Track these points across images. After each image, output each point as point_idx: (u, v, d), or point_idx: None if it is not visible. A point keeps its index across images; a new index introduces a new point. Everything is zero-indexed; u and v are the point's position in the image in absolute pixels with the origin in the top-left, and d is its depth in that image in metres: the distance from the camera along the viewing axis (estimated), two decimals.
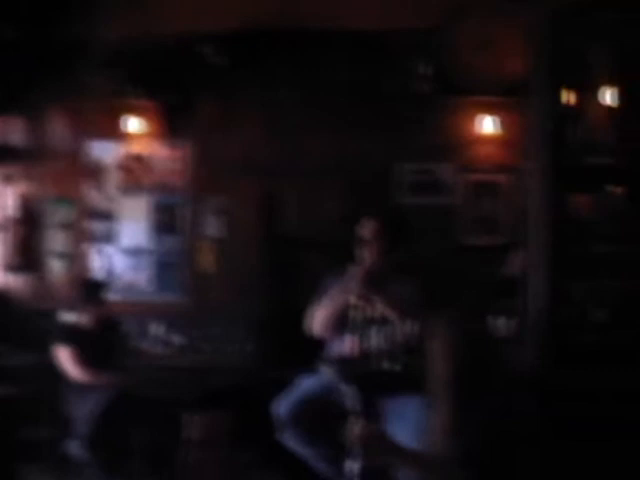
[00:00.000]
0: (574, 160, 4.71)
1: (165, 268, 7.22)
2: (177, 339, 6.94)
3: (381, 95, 7.06)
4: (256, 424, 3.60)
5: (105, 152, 7.35)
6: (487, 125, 7.00)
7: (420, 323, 4.48)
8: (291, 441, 5.02)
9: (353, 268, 4.96)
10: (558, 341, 4.37)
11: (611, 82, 5.09)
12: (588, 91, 5.27)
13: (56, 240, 7.44)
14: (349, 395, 4.54)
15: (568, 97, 4.83)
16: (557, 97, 4.56)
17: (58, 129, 7.39)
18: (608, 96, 5.10)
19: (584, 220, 5.67)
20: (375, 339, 4.50)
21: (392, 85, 7.06)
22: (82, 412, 5.89)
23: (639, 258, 4.69)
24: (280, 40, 6.98)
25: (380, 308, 4.75)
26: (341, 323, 4.84)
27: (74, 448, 5.88)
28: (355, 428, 3.72)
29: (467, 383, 3.65)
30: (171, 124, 7.27)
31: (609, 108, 5.06)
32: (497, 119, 6.97)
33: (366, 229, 5.19)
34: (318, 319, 5.10)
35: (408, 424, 4.59)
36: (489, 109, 7.00)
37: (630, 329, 4.50)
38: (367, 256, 5.13)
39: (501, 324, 4.79)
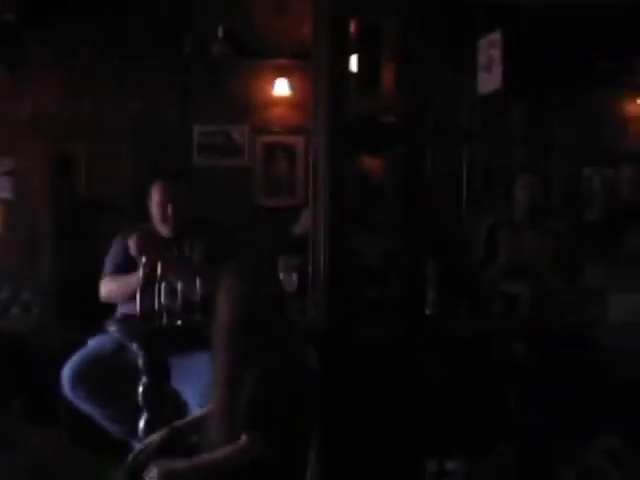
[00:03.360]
0: (359, 122, 4.82)
1: None
2: None
3: (176, 56, 7.02)
4: (37, 384, 3.57)
5: None
6: (281, 87, 7.08)
7: (208, 280, 4.52)
8: (79, 401, 4.99)
9: (132, 237, 4.98)
10: (341, 298, 4.49)
11: (397, 45, 5.22)
12: (374, 54, 5.41)
13: None
14: (136, 353, 4.55)
15: (353, 60, 4.96)
16: (341, 59, 4.64)
17: None
18: (393, 59, 5.23)
19: (372, 180, 5.85)
20: (162, 296, 4.50)
21: (187, 46, 7.03)
22: None
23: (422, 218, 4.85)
24: None
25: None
26: None
27: None
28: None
29: (249, 338, 3.73)
30: None
31: (395, 71, 5.20)
32: (290, 81, 7.06)
33: (157, 192, 5.19)
34: (109, 294, 5.12)
35: (196, 381, 4.64)
36: (283, 71, 7.08)
37: (411, 288, 4.68)
38: (158, 219, 5.14)
39: (293, 281, 4.89)
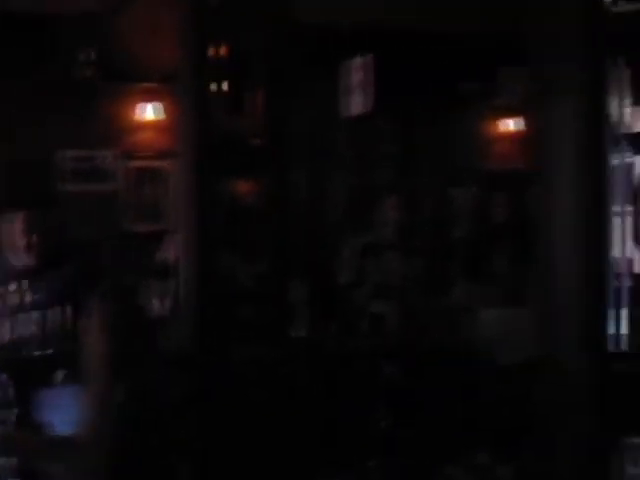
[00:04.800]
0: (226, 145, 4.85)
1: None
2: None
3: (43, 80, 6.90)
4: None
5: None
6: (149, 112, 7.04)
7: (76, 307, 4.45)
8: None
9: None
10: (213, 319, 4.50)
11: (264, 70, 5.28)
12: (243, 78, 5.44)
13: None
14: (5, 385, 4.45)
15: (217, 84, 4.98)
16: (204, 84, 4.67)
17: None
18: (260, 83, 5.28)
19: (243, 202, 5.86)
20: (26, 325, 4.42)
21: (54, 70, 6.92)
22: None
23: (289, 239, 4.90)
24: None
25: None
26: None
27: None
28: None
29: (119, 362, 3.71)
30: None
31: (262, 95, 5.24)
32: (159, 105, 7.02)
33: (20, 220, 5.08)
34: None
35: (67, 411, 4.56)
36: (152, 95, 7.04)
37: (278, 308, 4.72)
38: (21, 248, 5.03)
39: (158, 306, 4.87)
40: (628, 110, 3.62)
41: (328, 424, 4.96)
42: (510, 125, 8.18)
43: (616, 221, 6.18)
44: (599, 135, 2.91)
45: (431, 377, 5.33)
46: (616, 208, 6.08)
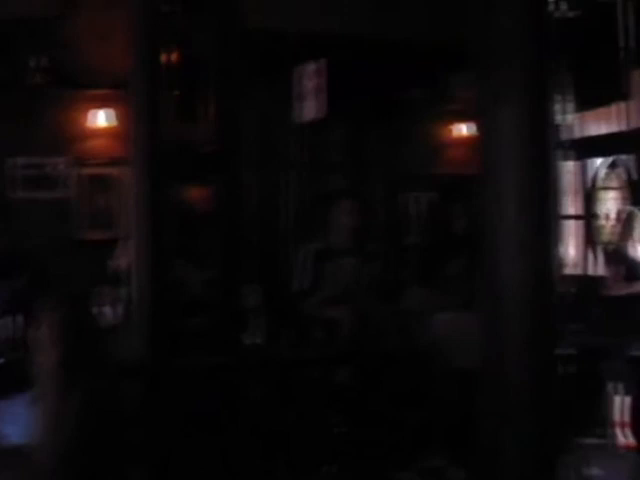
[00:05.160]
0: (178, 151, 4.84)
1: None
2: None
3: None
4: None
5: None
6: (101, 118, 7.00)
7: (27, 316, 4.42)
8: None
9: None
10: (164, 327, 4.49)
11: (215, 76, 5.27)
12: (195, 85, 5.44)
13: None
14: None
15: (169, 91, 4.99)
16: (156, 90, 4.66)
17: None
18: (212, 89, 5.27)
19: (195, 209, 5.84)
20: None
21: (3, 76, 6.86)
22: None
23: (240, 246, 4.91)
24: None
25: None
26: None
27: None
28: None
29: (71, 371, 3.68)
30: None
31: (215, 103, 5.24)
32: (112, 112, 6.98)
33: None
34: None
35: (18, 422, 4.51)
36: (104, 102, 7.00)
37: (229, 316, 4.72)
38: None
39: (110, 314, 4.85)
40: (575, 115, 3.67)
41: (281, 431, 4.96)
42: (464, 130, 8.22)
43: (568, 224, 6.25)
44: (543, 140, 2.93)
45: (385, 382, 5.34)
46: (569, 211, 6.14)
